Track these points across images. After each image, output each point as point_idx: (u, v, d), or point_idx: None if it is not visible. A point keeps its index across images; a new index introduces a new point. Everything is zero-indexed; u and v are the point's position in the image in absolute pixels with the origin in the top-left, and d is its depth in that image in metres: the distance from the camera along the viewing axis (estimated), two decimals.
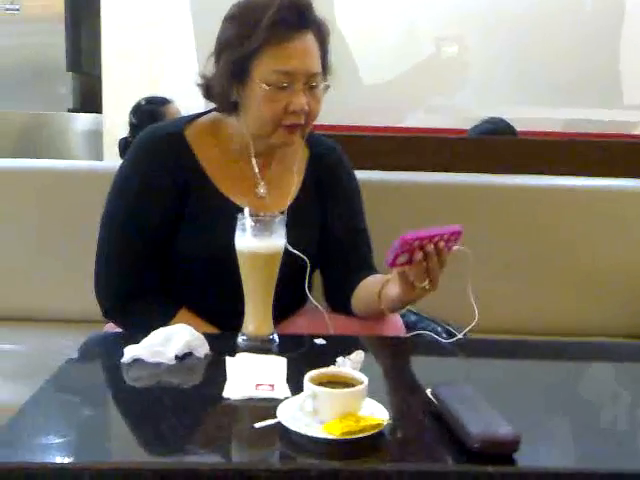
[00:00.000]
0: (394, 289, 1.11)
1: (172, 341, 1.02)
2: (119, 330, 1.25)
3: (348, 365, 0.96)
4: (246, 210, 1.08)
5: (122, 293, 1.23)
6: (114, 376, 1.01)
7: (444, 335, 1.22)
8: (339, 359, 0.98)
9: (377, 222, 1.36)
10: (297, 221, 1.23)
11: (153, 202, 1.22)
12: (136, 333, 1.05)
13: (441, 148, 2.25)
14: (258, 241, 1.07)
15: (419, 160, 2.10)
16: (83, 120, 3.56)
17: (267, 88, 1.16)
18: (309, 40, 1.17)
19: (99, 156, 3.40)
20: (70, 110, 3.56)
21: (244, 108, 1.20)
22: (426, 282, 1.07)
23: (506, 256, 1.72)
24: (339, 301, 1.28)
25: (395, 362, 1.14)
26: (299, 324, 1.28)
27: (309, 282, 1.26)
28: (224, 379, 0.94)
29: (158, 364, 1.00)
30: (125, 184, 1.24)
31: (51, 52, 3.53)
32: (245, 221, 1.07)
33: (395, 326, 1.25)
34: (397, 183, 1.76)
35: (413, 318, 1.41)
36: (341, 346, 1.05)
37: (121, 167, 1.26)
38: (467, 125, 2.78)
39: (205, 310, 1.23)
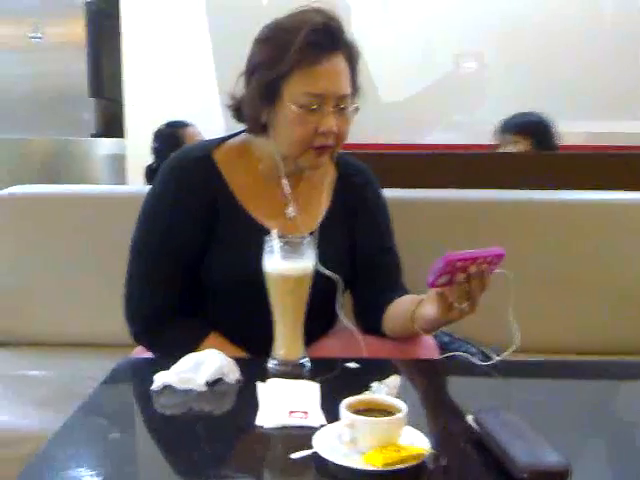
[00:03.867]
0: (431, 309, 1.09)
1: (203, 367, 1.01)
2: (148, 355, 1.23)
3: (384, 391, 0.93)
4: (273, 232, 1.07)
5: (152, 316, 1.22)
6: (145, 404, 1.00)
7: (478, 356, 1.19)
8: (374, 384, 0.95)
9: (406, 241, 1.34)
10: (326, 241, 1.21)
11: (182, 227, 1.21)
12: (166, 356, 1.03)
13: (464, 164, 2.21)
14: (287, 263, 1.05)
15: (444, 177, 2.07)
16: (106, 145, 3.60)
17: (297, 110, 1.15)
18: (340, 62, 1.16)
19: (123, 181, 3.43)
20: (93, 135, 3.60)
21: (274, 129, 1.20)
22: (465, 304, 1.04)
23: (540, 274, 1.67)
24: (370, 321, 1.26)
25: (431, 386, 1.11)
26: (330, 345, 1.26)
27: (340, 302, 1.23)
28: (256, 406, 0.92)
29: (189, 391, 0.98)
30: (154, 209, 1.23)
31: (74, 79, 3.59)
32: (273, 243, 1.06)
33: (429, 347, 1.22)
34: (426, 201, 1.72)
35: (446, 339, 1.38)
36: (374, 370, 1.03)
37: (150, 192, 1.25)
38: (487, 140, 2.76)
39: (235, 333, 1.21)
